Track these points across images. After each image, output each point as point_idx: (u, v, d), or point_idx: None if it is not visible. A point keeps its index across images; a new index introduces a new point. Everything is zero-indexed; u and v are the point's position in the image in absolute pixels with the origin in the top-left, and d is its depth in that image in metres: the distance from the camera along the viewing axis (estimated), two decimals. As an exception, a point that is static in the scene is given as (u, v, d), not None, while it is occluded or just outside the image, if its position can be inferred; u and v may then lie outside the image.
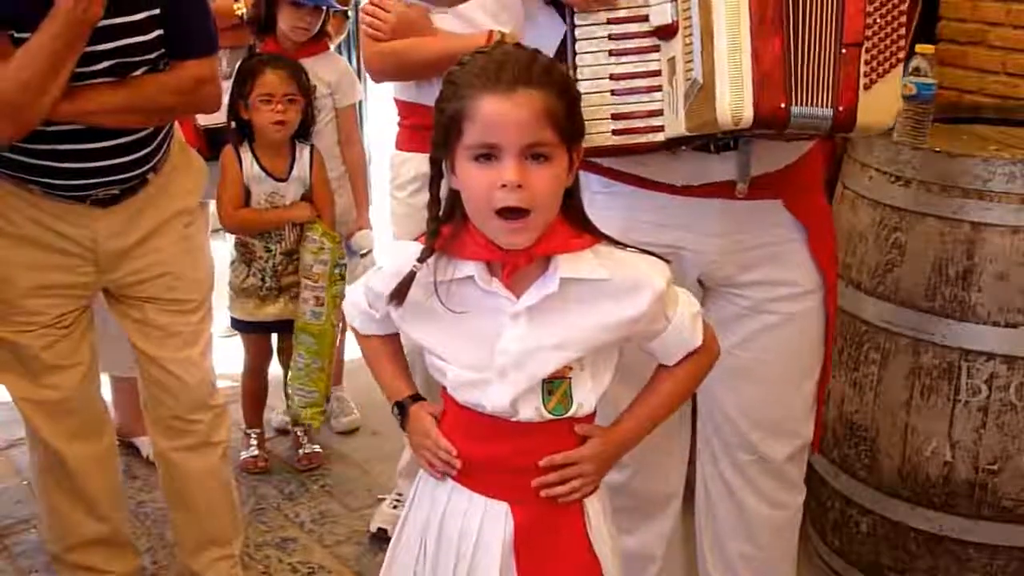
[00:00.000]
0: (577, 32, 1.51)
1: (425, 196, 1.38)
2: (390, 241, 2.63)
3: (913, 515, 2.23)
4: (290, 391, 3.03)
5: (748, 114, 1.38)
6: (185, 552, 2.33)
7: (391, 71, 2.43)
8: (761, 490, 1.83)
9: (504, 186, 1.25)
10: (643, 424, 1.48)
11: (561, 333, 1.35)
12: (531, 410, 1.37)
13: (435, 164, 1.36)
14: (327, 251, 2.90)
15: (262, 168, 2.88)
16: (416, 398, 1.52)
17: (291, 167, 2.92)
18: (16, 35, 1.76)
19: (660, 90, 1.50)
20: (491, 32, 2.27)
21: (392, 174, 2.55)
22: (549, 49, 1.57)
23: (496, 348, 1.35)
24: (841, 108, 1.41)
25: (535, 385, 1.36)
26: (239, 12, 3.25)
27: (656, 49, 1.49)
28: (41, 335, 2.03)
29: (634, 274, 1.36)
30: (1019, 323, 2.05)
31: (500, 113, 1.25)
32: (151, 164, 2.03)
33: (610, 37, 1.50)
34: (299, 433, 3.14)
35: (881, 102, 1.45)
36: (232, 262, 2.98)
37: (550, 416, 1.37)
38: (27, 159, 1.90)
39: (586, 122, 1.47)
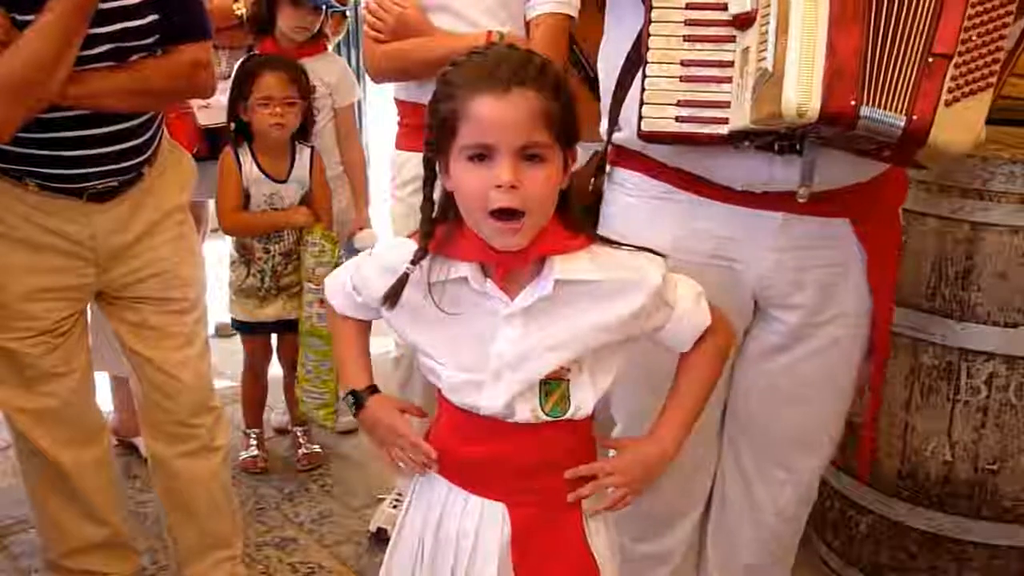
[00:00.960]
0: (653, 14, 1.46)
1: None
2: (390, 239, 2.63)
3: (913, 515, 2.23)
4: (300, 394, 3.04)
5: (815, 107, 1.30)
6: (186, 557, 2.31)
7: (391, 72, 2.42)
8: (782, 503, 1.84)
9: (498, 187, 1.25)
10: (680, 426, 1.46)
11: (556, 334, 1.34)
12: (527, 412, 1.36)
13: (429, 164, 1.36)
14: (328, 253, 2.90)
15: (261, 170, 2.89)
16: (373, 390, 1.51)
17: (291, 169, 2.92)
18: (18, 18, 1.76)
19: (730, 82, 1.44)
20: (490, 32, 2.26)
21: (392, 173, 2.55)
22: (629, 39, 1.56)
23: (490, 350, 1.35)
24: (915, 117, 1.32)
25: (531, 386, 1.36)
26: (238, 12, 3.25)
27: (731, 39, 1.44)
28: (39, 342, 2.02)
29: (629, 272, 1.36)
30: (1019, 323, 2.05)
31: (494, 113, 1.25)
32: (146, 155, 2.02)
33: (686, 22, 1.45)
34: (299, 433, 3.14)
35: (961, 122, 1.36)
36: (232, 262, 2.99)
37: (546, 418, 1.37)
38: (24, 150, 1.88)
39: (651, 106, 1.45)
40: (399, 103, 2.52)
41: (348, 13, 3.61)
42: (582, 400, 1.38)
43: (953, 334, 2.09)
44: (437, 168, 1.35)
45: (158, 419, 2.19)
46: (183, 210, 2.16)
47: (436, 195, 1.38)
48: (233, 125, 2.90)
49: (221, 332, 3.70)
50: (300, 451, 3.10)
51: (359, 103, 3.99)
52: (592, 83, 2.52)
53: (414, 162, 2.41)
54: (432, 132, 1.32)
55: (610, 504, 1.43)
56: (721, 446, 1.85)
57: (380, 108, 4.52)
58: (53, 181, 1.94)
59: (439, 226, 1.36)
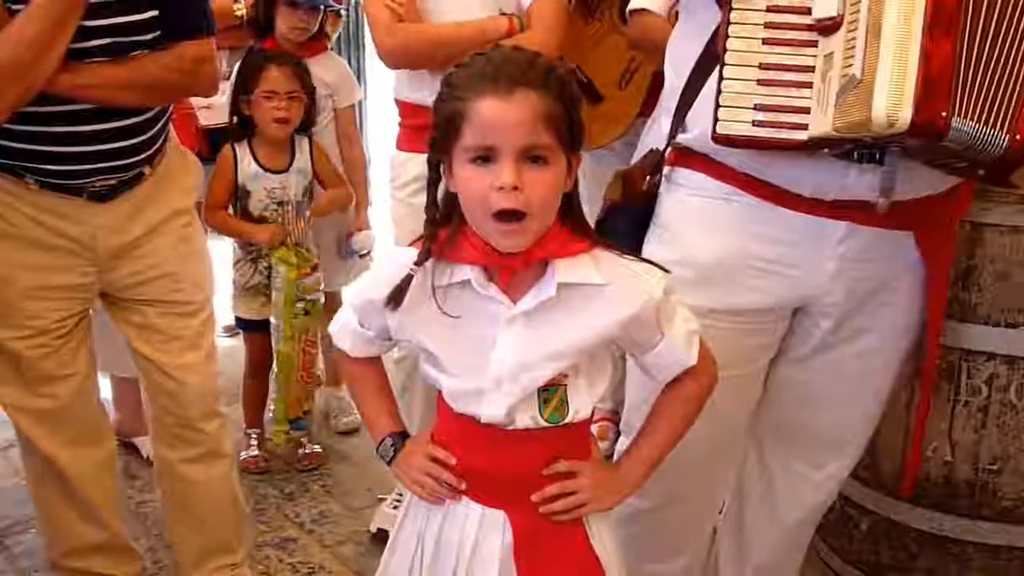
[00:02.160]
0: (732, 15, 1.42)
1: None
2: (390, 242, 2.64)
3: (913, 515, 2.23)
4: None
5: (906, 116, 1.24)
6: (187, 562, 2.31)
7: (401, 52, 2.34)
8: (801, 503, 1.85)
9: (501, 188, 1.24)
10: (646, 462, 1.47)
11: (557, 340, 1.34)
12: (527, 419, 1.36)
13: (433, 166, 1.35)
14: (280, 277, 2.86)
15: (260, 165, 2.89)
16: (405, 435, 1.51)
17: (291, 160, 2.93)
18: (12, 7, 1.75)
19: (810, 87, 1.39)
20: (511, 18, 2.23)
21: (392, 174, 2.55)
22: (701, 39, 1.53)
23: (491, 356, 1.34)
24: (1019, 136, 1.27)
25: (530, 395, 1.35)
26: (238, 13, 3.25)
27: (813, 44, 1.39)
28: (39, 344, 2.01)
29: (632, 280, 1.35)
30: (1019, 323, 2.04)
31: (497, 114, 1.24)
32: (147, 154, 2.01)
33: (766, 25, 1.41)
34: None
35: None
36: (236, 261, 2.99)
37: (546, 424, 1.37)
38: (24, 145, 1.88)
39: (727, 109, 1.43)
40: (399, 103, 2.52)
41: (343, 12, 3.61)
42: (580, 404, 1.38)
43: (953, 334, 2.09)
44: (441, 170, 1.34)
45: (164, 422, 2.18)
46: (188, 212, 2.15)
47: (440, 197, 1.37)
48: (235, 119, 2.91)
49: (221, 331, 3.70)
50: (300, 451, 3.10)
51: (359, 104, 3.99)
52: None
53: (414, 163, 2.41)
54: (436, 133, 1.32)
55: (562, 508, 1.40)
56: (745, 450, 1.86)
57: (380, 108, 4.52)
58: (52, 178, 1.94)
59: (442, 228, 1.35)
